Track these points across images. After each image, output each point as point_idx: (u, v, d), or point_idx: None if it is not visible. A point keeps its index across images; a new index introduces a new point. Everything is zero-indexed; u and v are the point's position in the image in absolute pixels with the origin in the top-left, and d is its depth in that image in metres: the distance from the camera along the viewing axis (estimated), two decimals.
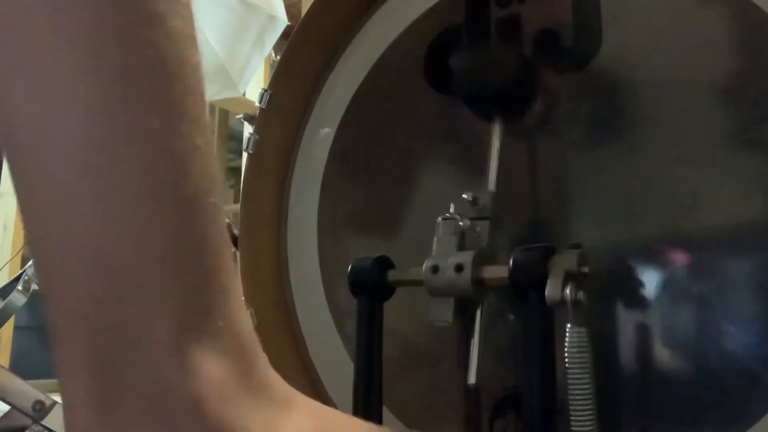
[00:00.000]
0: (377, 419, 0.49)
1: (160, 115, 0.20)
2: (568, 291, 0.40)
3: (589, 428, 0.39)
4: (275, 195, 0.69)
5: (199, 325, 0.20)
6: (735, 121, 0.47)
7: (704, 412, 0.45)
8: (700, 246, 0.47)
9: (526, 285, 0.42)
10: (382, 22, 0.67)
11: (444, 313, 0.46)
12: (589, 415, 0.40)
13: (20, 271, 1.25)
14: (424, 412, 0.58)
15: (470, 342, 0.46)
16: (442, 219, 0.49)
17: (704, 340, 0.46)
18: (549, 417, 0.40)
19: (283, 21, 1.93)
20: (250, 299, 0.61)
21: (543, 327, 0.41)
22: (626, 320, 0.48)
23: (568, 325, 0.40)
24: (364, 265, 0.50)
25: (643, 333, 0.48)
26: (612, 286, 0.49)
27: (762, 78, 0.46)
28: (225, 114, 3.04)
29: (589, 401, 0.40)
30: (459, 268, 0.45)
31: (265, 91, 0.68)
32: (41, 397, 0.90)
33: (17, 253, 2.06)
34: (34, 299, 1.22)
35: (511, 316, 0.53)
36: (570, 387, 0.40)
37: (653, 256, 0.48)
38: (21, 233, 2.19)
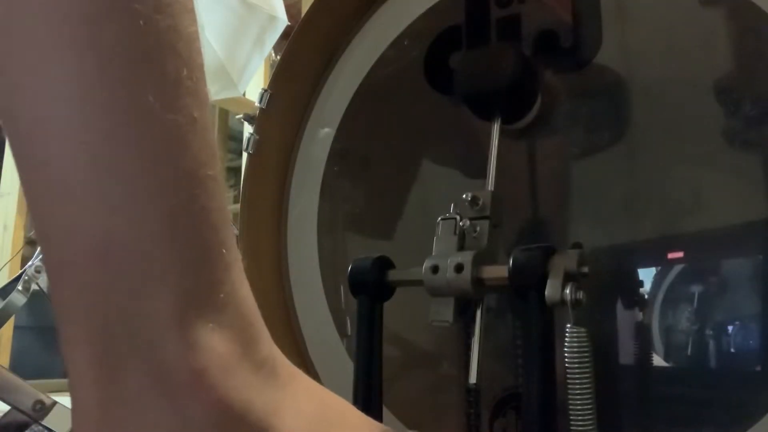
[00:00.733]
0: (377, 419, 0.49)
1: (156, 88, 0.20)
2: (567, 291, 0.40)
3: (589, 428, 0.39)
4: (275, 195, 0.69)
5: (200, 299, 0.20)
6: (735, 121, 0.47)
7: (704, 412, 0.45)
8: (699, 246, 0.47)
9: (525, 285, 0.42)
10: (382, 22, 0.67)
11: (444, 313, 0.46)
12: (589, 415, 0.40)
13: (20, 271, 1.25)
14: (424, 412, 0.58)
15: (470, 342, 0.46)
16: (442, 219, 0.49)
17: (704, 340, 0.46)
18: (549, 417, 0.40)
19: (283, 21, 1.93)
20: None
21: (543, 327, 0.41)
22: (626, 320, 0.48)
23: (568, 325, 0.40)
24: (364, 265, 0.50)
25: (643, 333, 0.48)
26: (612, 286, 0.49)
27: (762, 78, 0.46)
28: (225, 114, 3.03)
29: (589, 401, 0.40)
30: (459, 268, 0.45)
31: (265, 91, 0.68)
32: (41, 397, 0.90)
33: (17, 253, 2.06)
34: (34, 299, 1.22)
35: (511, 316, 0.53)
36: (570, 387, 0.40)
37: (653, 256, 0.48)
38: (21, 233, 2.19)
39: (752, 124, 0.46)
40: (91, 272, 0.19)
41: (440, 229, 0.49)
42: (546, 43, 0.55)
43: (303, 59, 0.68)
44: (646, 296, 0.48)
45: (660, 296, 0.47)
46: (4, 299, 1.17)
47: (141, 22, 0.19)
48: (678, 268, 0.48)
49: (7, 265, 1.95)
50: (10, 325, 1.93)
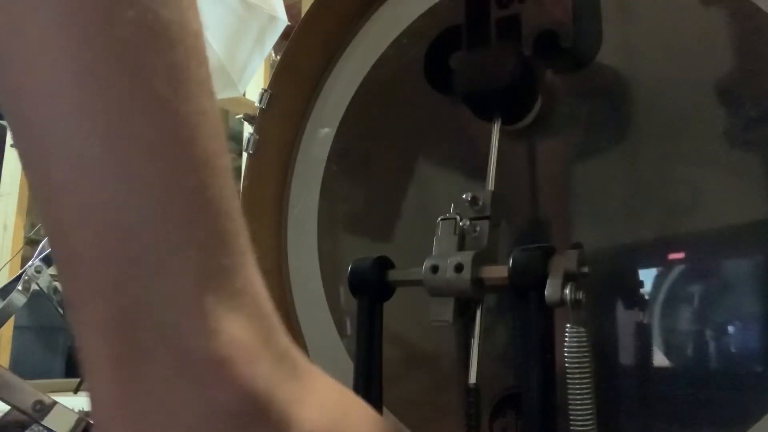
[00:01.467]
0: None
1: (165, 78, 0.20)
2: (567, 291, 0.40)
3: (589, 428, 0.39)
4: (275, 195, 0.70)
5: (218, 286, 0.20)
6: (735, 121, 0.47)
7: (704, 412, 0.45)
8: (699, 246, 0.47)
9: (525, 285, 0.42)
10: (382, 22, 0.67)
11: (444, 313, 0.46)
12: (589, 415, 0.40)
13: (20, 271, 1.25)
14: (424, 412, 0.58)
15: (470, 342, 0.46)
16: (442, 219, 0.49)
17: (704, 340, 0.46)
18: (549, 417, 0.40)
19: (283, 21, 1.93)
20: None
21: (543, 327, 0.41)
22: (626, 320, 0.48)
23: (568, 325, 0.40)
24: (364, 265, 0.50)
25: (643, 333, 0.48)
26: (612, 286, 0.49)
27: (762, 78, 0.46)
28: (225, 114, 3.04)
29: (589, 401, 0.40)
30: (459, 268, 0.45)
31: (265, 91, 0.68)
32: (41, 397, 0.90)
33: (17, 253, 2.06)
34: (34, 299, 1.23)
35: (511, 316, 0.53)
36: (570, 387, 0.40)
37: (653, 256, 0.48)
38: (21, 233, 2.20)
39: (753, 124, 0.46)
40: (107, 260, 0.19)
41: (440, 229, 0.49)
42: (546, 43, 0.55)
43: (303, 59, 0.68)
44: (646, 296, 0.48)
45: (660, 296, 0.47)
46: (4, 299, 1.17)
47: (149, 14, 0.19)
48: (678, 268, 0.48)
49: (7, 265, 1.95)
50: (10, 325, 1.93)
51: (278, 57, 0.78)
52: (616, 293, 0.49)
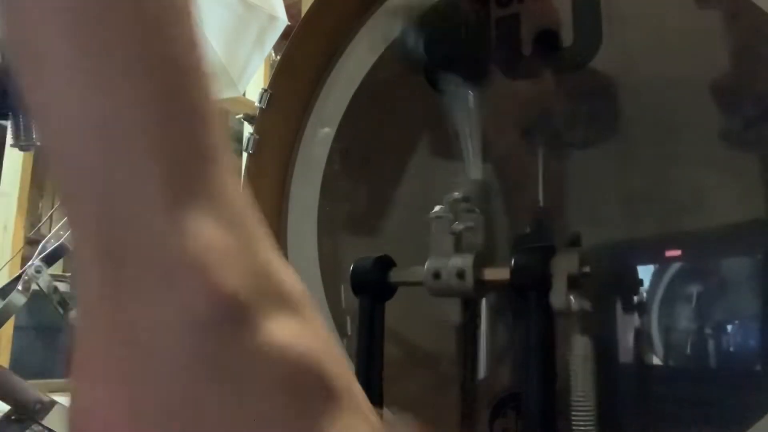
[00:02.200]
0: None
1: None
2: (573, 300, 0.40)
3: (590, 428, 0.39)
4: (275, 195, 0.69)
5: (193, 189, 0.20)
6: (734, 121, 0.47)
7: (704, 411, 0.45)
8: (699, 245, 0.47)
9: (527, 286, 0.42)
10: (382, 22, 0.67)
11: (451, 313, 0.46)
12: (591, 416, 0.40)
13: (20, 271, 1.25)
14: (424, 412, 0.58)
15: (470, 342, 0.46)
16: (435, 217, 0.48)
17: (704, 340, 0.46)
18: (549, 417, 0.40)
19: (283, 21, 1.93)
20: None
21: (543, 327, 0.41)
22: (626, 320, 0.48)
23: (575, 334, 0.40)
24: (366, 265, 0.50)
25: (643, 333, 0.48)
26: (611, 285, 0.49)
27: (761, 78, 0.46)
28: (225, 114, 3.04)
29: (590, 403, 0.40)
30: (460, 273, 0.45)
31: (265, 91, 0.68)
32: (41, 396, 0.90)
33: (17, 253, 2.06)
34: (34, 299, 1.22)
35: (511, 316, 0.53)
36: (573, 392, 0.40)
37: (653, 255, 0.48)
38: (21, 233, 2.19)
39: (751, 123, 0.46)
40: (85, 160, 0.20)
41: (434, 228, 0.49)
42: (546, 43, 0.55)
43: (303, 59, 0.68)
44: (645, 295, 0.48)
45: (659, 296, 0.47)
46: (4, 299, 1.17)
47: None
48: (677, 267, 0.48)
49: (7, 265, 1.95)
50: (10, 325, 1.93)
51: (278, 57, 0.78)
52: (616, 292, 0.49)
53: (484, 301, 0.48)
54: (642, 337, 0.48)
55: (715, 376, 0.45)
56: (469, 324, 0.49)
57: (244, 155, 0.70)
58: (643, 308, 0.48)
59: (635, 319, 0.48)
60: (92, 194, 0.20)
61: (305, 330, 0.22)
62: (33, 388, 0.91)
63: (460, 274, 0.44)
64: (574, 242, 0.45)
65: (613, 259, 0.50)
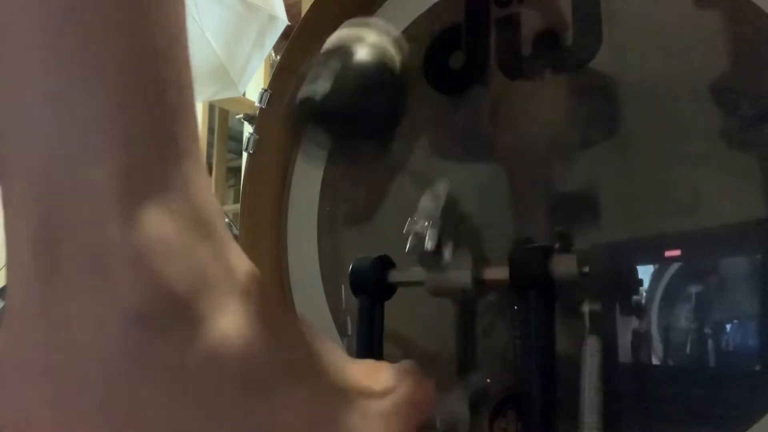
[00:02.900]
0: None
1: None
2: (586, 305, 0.40)
3: (596, 428, 0.40)
4: (275, 195, 0.70)
5: (147, 177, 0.19)
6: (734, 120, 0.47)
7: (704, 412, 0.45)
8: (699, 245, 0.47)
9: (526, 285, 0.42)
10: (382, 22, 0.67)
11: (450, 313, 0.46)
12: (598, 414, 0.40)
13: None
14: None
15: (470, 342, 0.46)
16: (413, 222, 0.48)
17: (703, 340, 0.46)
18: (549, 417, 0.40)
19: (283, 21, 1.94)
20: None
21: (543, 327, 0.41)
22: (625, 320, 0.48)
23: (588, 336, 0.41)
24: (365, 265, 0.50)
25: (643, 333, 0.48)
26: (610, 285, 0.49)
27: (761, 78, 0.46)
28: (225, 114, 3.04)
29: (597, 404, 0.40)
30: (460, 270, 0.45)
31: (265, 91, 0.68)
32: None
33: None
34: None
35: (511, 316, 0.53)
36: (581, 393, 0.40)
37: (653, 255, 0.48)
38: None
39: (750, 123, 0.46)
40: (31, 132, 0.18)
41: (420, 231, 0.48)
42: (545, 43, 0.55)
43: (303, 59, 0.68)
44: (644, 296, 0.48)
45: (659, 296, 0.47)
46: (4, 299, 1.17)
47: None
48: (676, 267, 0.48)
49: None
50: None
51: (278, 57, 0.78)
52: (615, 292, 0.49)
53: (483, 301, 0.48)
54: (641, 337, 0.48)
55: (715, 376, 0.45)
56: (468, 324, 0.49)
57: (244, 155, 0.69)
58: (642, 308, 0.48)
59: (634, 319, 0.48)
60: (32, 170, 0.18)
61: (253, 317, 0.21)
62: None
63: (459, 270, 0.44)
64: (561, 235, 0.44)
65: (612, 259, 0.50)
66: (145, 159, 0.19)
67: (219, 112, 3.02)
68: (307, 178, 0.69)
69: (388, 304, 0.51)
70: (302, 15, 0.68)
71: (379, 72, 0.37)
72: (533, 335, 0.41)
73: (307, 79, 0.36)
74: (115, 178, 0.18)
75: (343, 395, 0.24)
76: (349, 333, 0.62)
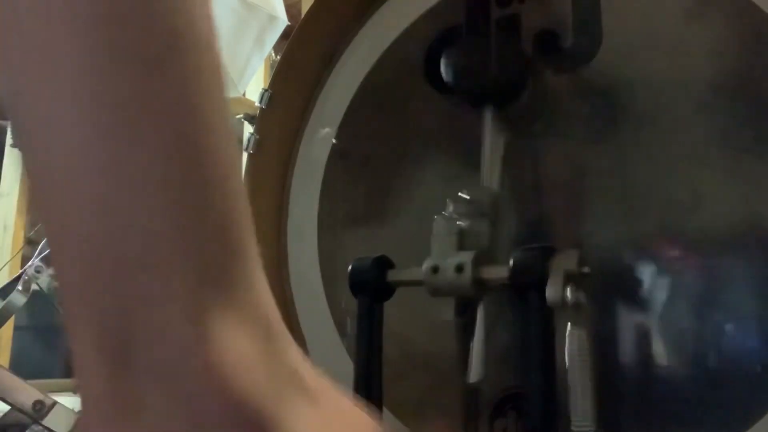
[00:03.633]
0: (377, 419, 0.49)
1: (173, 87, 0.19)
2: (568, 292, 0.40)
3: (590, 428, 0.39)
4: (275, 195, 0.69)
5: (218, 290, 0.19)
6: (735, 120, 0.47)
7: (704, 412, 0.45)
8: (700, 246, 0.47)
9: (526, 285, 0.42)
10: (382, 22, 0.67)
11: (445, 312, 0.46)
12: (590, 415, 0.40)
13: (20, 271, 1.25)
14: (424, 412, 0.58)
15: (470, 342, 0.46)
16: (440, 218, 0.49)
17: (704, 341, 0.46)
18: (549, 417, 0.40)
19: (283, 21, 1.93)
20: None
21: (543, 327, 0.41)
22: (626, 320, 0.48)
23: (569, 327, 0.40)
24: (364, 265, 0.50)
25: (643, 333, 0.48)
26: (612, 286, 0.49)
27: (762, 78, 0.46)
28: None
29: (589, 402, 0.40)
30: (459, 268, 0.45)
31: (265, 91, 0.68)
32: (41, 397, 0.90)
33: (17, 253, 2.06)
34: (34, 299, 1.23)
35: (511, 316, 0.53)
36: (571, 388, 0.40)
37: (653, 256, 0.48)
38: (21, 233, 2.19)
39: (753, 123, 0.46)
40: (102, 255, 0.18)
41: (438, 228, 0.49)
42: (546, 43, 0.55)
43: (303, 59, 0.68)
44: (646, 296, 0.48)
45: (660, 296, 0.47)
46: (4, 299, 1.17)
47: (157, 19, 0.18)
48: (678, 268, 0.48)
49: (7, 265, 1.95)
50: (10, 325, 1.93)
51: (278, 57, 0.78)
52: (617, 293, 0.49)
53: (483, 302, 0.48)
54: (642, 337, 0.48)
55: (716, 377, 0.45)
56: (468, 324, 0.49)
57: (245, 155, 0.70)
58: (643, 309, 0.48)
59: (635, 320, 0.48)
60: (95, 282, 0.18)
61: (323, 417, 0.22)
62: (33, 388, 0.91)
63: (459, 269, 0.44)
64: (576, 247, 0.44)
65: (612, 260, 0.50)
66: (215, 265, 0.19)
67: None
68: (307, 178, 0.69)
69: (387, 304, 0.51)
70: (302, 15, 0.68)
71: None
72: (533, 335, 0.41)
73: None
74: (188, 290, 0.18)
75: None
76: (349, 333, 0.62)
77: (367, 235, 0.66)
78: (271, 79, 0.69)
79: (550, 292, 0.40)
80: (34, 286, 1.19)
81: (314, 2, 0.67)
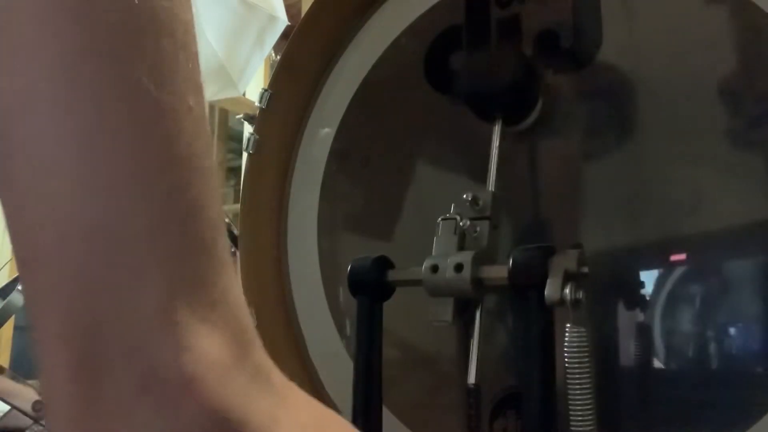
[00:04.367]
0: (377, 419, 0.49)
1: (150, 69, 0.18)
2: (567, 291, 0.40)
3: (589, 428, 0.39)
4: (275, 195, 0.69)
5: (191, 297, 0.19)
6: (737, 120, 0.47)
7: (704, 412, 0.45)
8: (700, 247, 0.47)
9: (525, 285, 0.42)
10: (382, 22, 0.67)
11: (444, 313, 0.46)
12: (590, 415, 0.40)
13: None
14: (424, 413, 0.58)
15: (470, 342, 0.46)
16: (443, 219, 0.49)
17: (704, 341, 0.46)
18: (549, 417, 0.40)
19: (283, 21, 1.93)
20: (250, 299, 0.61)
21: (543, 327, 0.41)
22: (627, 321, 0.48)
23: (568, 325, 0.40)
24: (364, 265, 0.50)
25: (644, 333, 0.48)
26: (612, 287, 0.49)
27: (762, 78, 0.46)
28: (225, 114, 3.04)
29: (589, 401, 0.40)
30: (458, 267, 0.45)
31: (265, 91, 0.68)
32: (41, 397, 0.90)
33: None
34: None
35: (511, 316, 0.53)
36: (570, 387, 0.40)
37: (654, 256, 0.48)
38: None
39: (755, 123, 0.46)
40: (69, 263, 0.18)
41: (440, 229, 0.49)
42: (546, 44, 0.55)
43: (303, 59, 0.68)
44: (647, 297, 0.48)
45: (661, 297, 0.47)
46: (4, 299, 1.17)
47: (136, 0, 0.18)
48: (679, 269, 0.48)
49: (7, 265, 1.95)
50: (10, 325, 1.93)
51: (278, 57, 0.78)
52: (617, 294, 0.49)
53: (483, 302, 0.48)
54: (643, 338, 0.48)
55: (716, 377, 0.45)
56: (468, 325, 0.49)
57: (244, 155, 0.69)
58: (644, 310, 0.48)
59: (636, 321, 0.48)
60: (69, 298, 0.18)
61: (301, 426, 0.22)
62: (33, 389, 0.90)
63: (458, 268, 0.44)
64: (575, 247, 0.44)
65: (614, 261, 0.50)
66: (190, 278, 0.19)
67: (219, 112, 3.02)
68: (307, 178, 0.69)
69: (387, 304, 0.51)
70: (302, 15, 0.68)
71: None
72: (533, 335, 0.41)
73: None
74: (162, 301, 0.18)
75: None
76: (349, 333, 0.62)
77: (367, 234, 0.66)
78: (271, 79, 0.69)
79: (550, 292, 0.40)
80: None
81: (314, 2, 0.67)
